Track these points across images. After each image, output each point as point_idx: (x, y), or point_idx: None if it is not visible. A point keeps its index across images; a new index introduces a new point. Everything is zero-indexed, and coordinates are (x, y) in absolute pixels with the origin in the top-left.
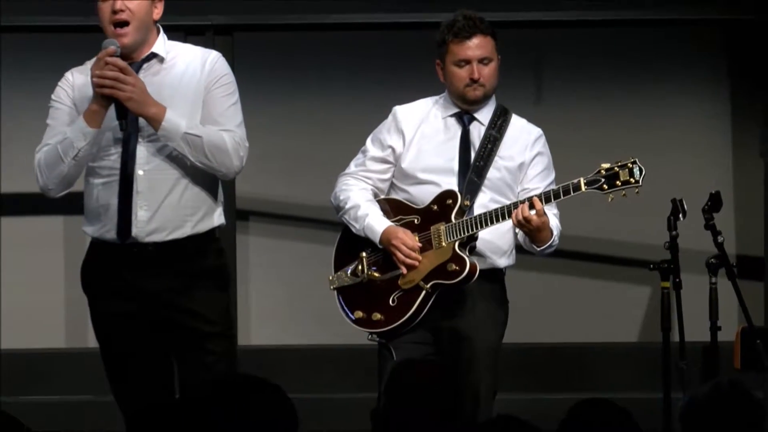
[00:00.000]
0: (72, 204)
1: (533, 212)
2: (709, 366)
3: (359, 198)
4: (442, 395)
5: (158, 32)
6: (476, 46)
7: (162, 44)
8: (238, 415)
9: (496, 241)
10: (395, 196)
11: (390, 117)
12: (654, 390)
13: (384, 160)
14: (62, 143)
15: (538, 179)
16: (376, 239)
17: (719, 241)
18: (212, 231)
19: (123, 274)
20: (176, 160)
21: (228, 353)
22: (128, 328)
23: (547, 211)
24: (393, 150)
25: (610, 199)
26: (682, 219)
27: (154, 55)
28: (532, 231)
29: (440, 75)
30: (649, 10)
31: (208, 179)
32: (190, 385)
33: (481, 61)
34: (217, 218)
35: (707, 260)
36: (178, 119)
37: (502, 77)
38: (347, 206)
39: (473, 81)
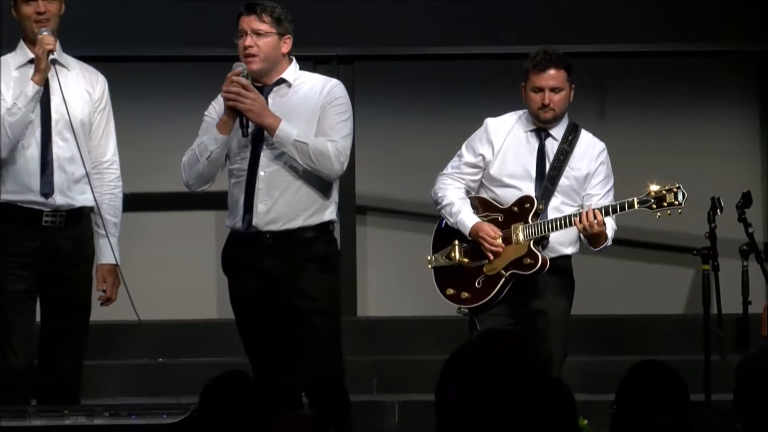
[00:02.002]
0: (220, 201)
1: (595, 221)
2: (742, 334)
3: (454, 196)
4: (521, 359)
5: (290, 62)
6: (549, 77)
7: (292, 72)
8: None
9: (565, 235)
10: (484, 194)
11: (482, 128)
12: (696, 353)
13: (475, 165)
14: (199, 147)
15: (600, 186)
16: (467, 232)
17: (750, 231)
18: (323, 224)
19: (247, 258)
20: (292, 165)
21: (329, 328)
22: (253, 304)
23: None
24: (483, 157)
25: (657, 216)
26: (719, 213)
27: (283, 81)
28: (591, 236)
29: (523, 96)
30: (695, 43)
31: (321, 184)
32: (300, 355)
33: (553, 89)
34: (328, 214)
35: (740, 247)
36: (290, 129)
37: (573, 96)
38: (444, 203)
39: (544, 106)
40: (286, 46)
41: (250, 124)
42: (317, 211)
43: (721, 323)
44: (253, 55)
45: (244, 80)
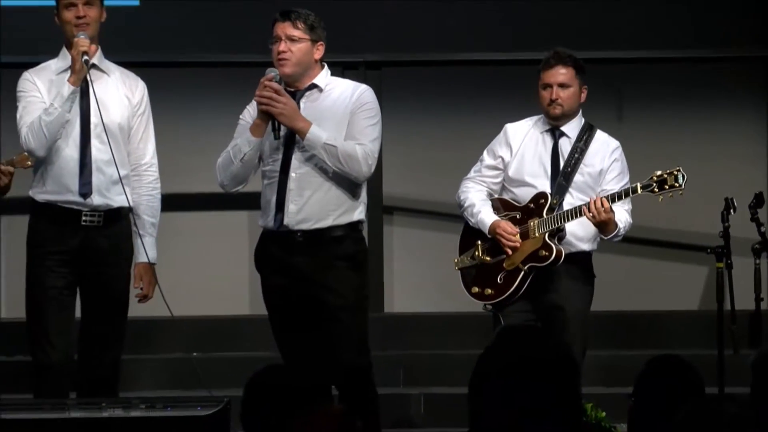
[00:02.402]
0: (253, 201)
1: (602, 209)
2: (754, 329)
3: (475, 198)
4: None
5: (322, 68)
6: (557, 73)
7: (323, 77)
8: None
9: (581, 231)
10: (504, 195)
11: (502, 133)
12: (710, 348)
13: (495, 168)
14: (233, 149)
15: (614, 182)
16: (486, 230)
17: (762, 230)
18: (352, 224)
19: (279, 255)
20: (322, 167)
21: (356, 323)
22: (283, 299)
23: (619, 206)
24: (502, 159)
25: (660, 199)
26: (733, 213)
27: (314, 86)
28: (600, 223)
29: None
30: (708, 49)
31: (350, 185)
32: (329, 350)
33: (561, 85)
34: (357, 215)
35: (752, 246)
36: (320, 132)
37: (592, 99)
38: (466, 204)
39: (552, 101)
40: (319, 52)
41: (282, 127)
42: (346, 211)
43: (734, 319)
44: (286, 60)
45: (276, 85)
